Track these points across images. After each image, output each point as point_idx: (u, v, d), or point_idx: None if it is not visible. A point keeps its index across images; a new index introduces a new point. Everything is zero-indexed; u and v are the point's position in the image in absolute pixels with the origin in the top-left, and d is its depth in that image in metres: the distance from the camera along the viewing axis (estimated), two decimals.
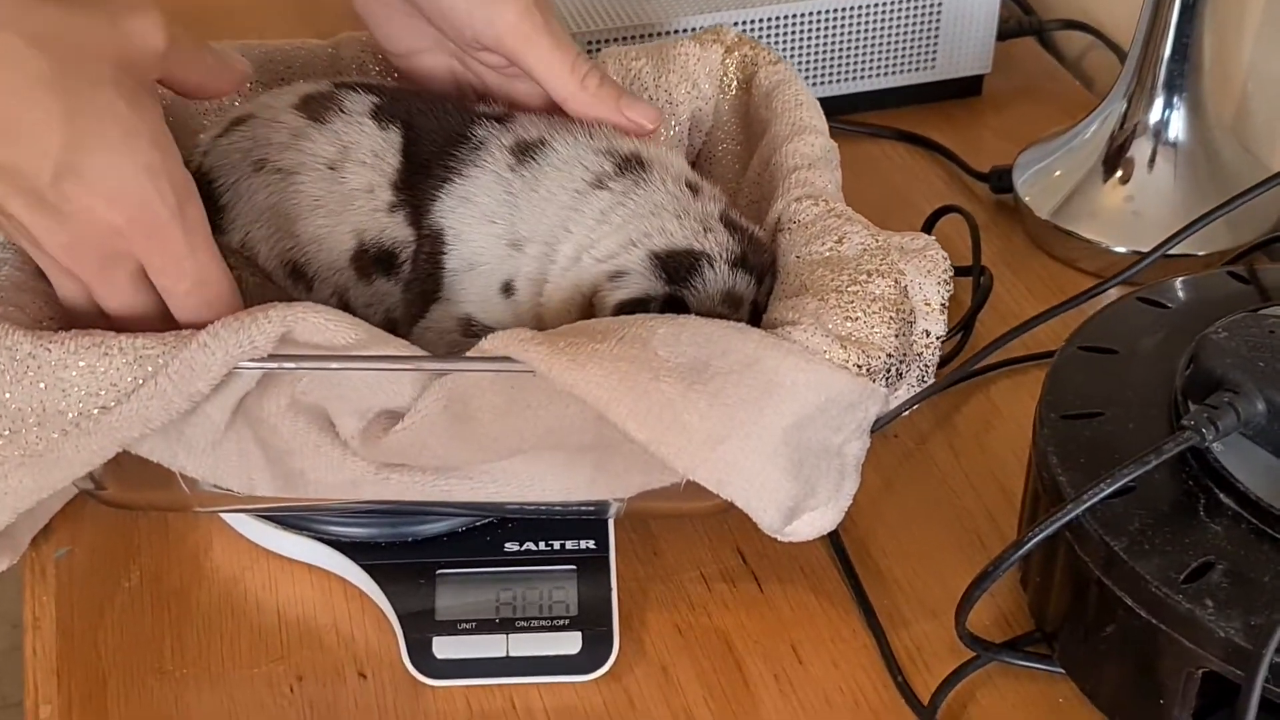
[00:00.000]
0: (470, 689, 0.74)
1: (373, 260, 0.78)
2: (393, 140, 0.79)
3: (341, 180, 0.78)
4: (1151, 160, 0.99)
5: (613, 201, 0.75)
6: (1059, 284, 0.97)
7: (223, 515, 0.80)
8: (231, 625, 0.77)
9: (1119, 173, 0.99)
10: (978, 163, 1.07)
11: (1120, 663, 0.68)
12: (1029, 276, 0.99)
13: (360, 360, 0.67)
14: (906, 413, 0.74)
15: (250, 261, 0.79)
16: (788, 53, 1.07)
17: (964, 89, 1.15)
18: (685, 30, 1.03)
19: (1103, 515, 0.67)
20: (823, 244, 0.73)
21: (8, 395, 0.66)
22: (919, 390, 0.73)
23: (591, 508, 0.76)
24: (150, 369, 0.66)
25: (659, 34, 1.03)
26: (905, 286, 0.72)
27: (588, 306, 0.73)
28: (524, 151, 0.77)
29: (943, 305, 0.73)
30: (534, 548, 0.77)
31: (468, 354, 0.67)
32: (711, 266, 0.73)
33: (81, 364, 0.66)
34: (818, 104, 0.84)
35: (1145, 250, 0.89)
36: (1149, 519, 0.67)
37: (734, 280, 0.73)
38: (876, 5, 1.07)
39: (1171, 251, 0.88)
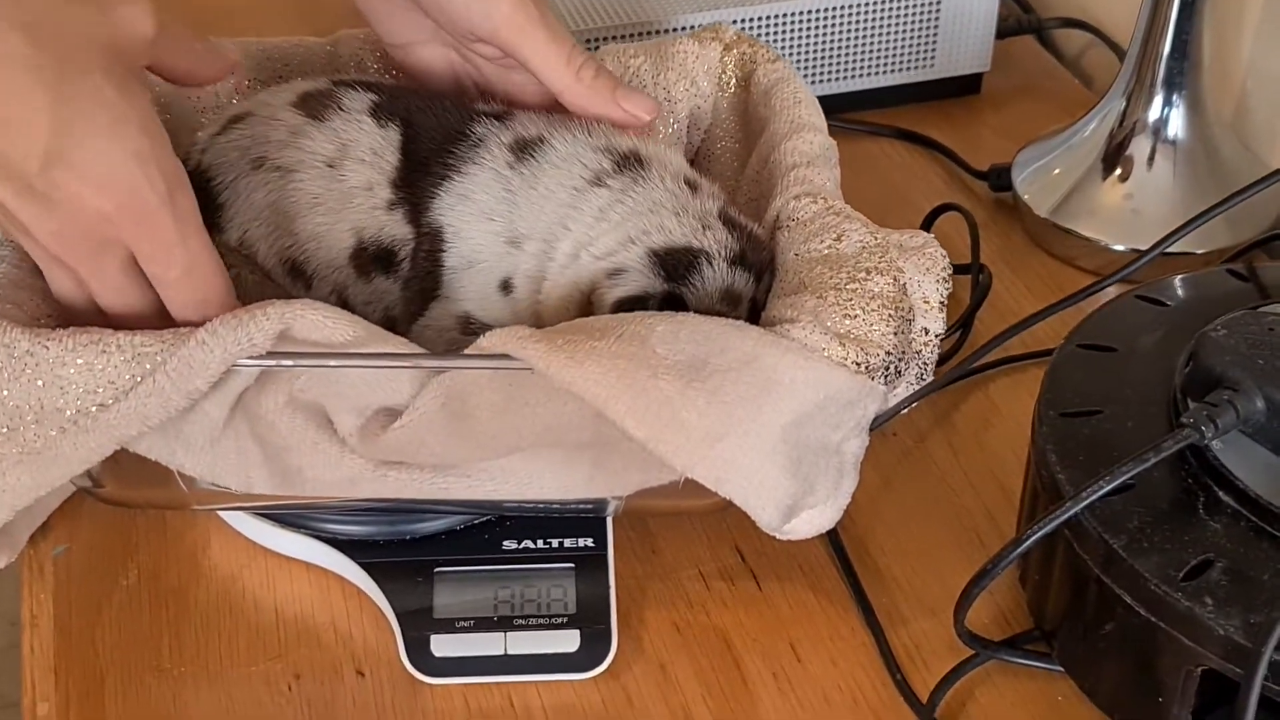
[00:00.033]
0: (468, 687, 0.74)
1: (372, 258, 0.78)
2: (391, 138, 0.79)
3: (340, 178, 0.78)
4: (1151, 158, 0.99)
5: (611, 199, 0.75)
6: (1058, 282, 0.97)
7: (221, 513, 0.80)
8: (229, 623, 0.77)
9: (1118, 171, 0.99)
10: (977, 161, 1.06)
11: (1119, 661, 0.68)
12: (1028, 275, 0.98)
13: (358, 358, 0.67)
14: (905, 410, 0.74)
15: (249, 259, 0.78)
16: (786, 51, 1.07)
17: (963, 87, 1.15)
18: (684, 28, 1.03)
19: (1102, 513, 0.67)
20: (821, 241, 0.73)
21: (5, 392, 0.66)
22: (918, 388, 0.73)
23: (590, 506, 0.76)
24: (148, 366, 0.66)
25: (657, 32, 1.03)
26: (904, 284, 0.72)
27: (586, 304, 0.73)
28: (523, 149, 0.77)
29: (941, 303, 0.73)
30: (532, 546, 0.77)
31: (466, 351, 0.67)
32: (710, 264, 0.73)
33: (80, 361, 0.66)
34: (816, 102, 0.84)
35: (1144, 248, 0.89)
36: (1148, 517, 0.67)
37: (733, 278, 0.73)
38: (875, 3, 1.07)
39: (1171, 249, 0.88)
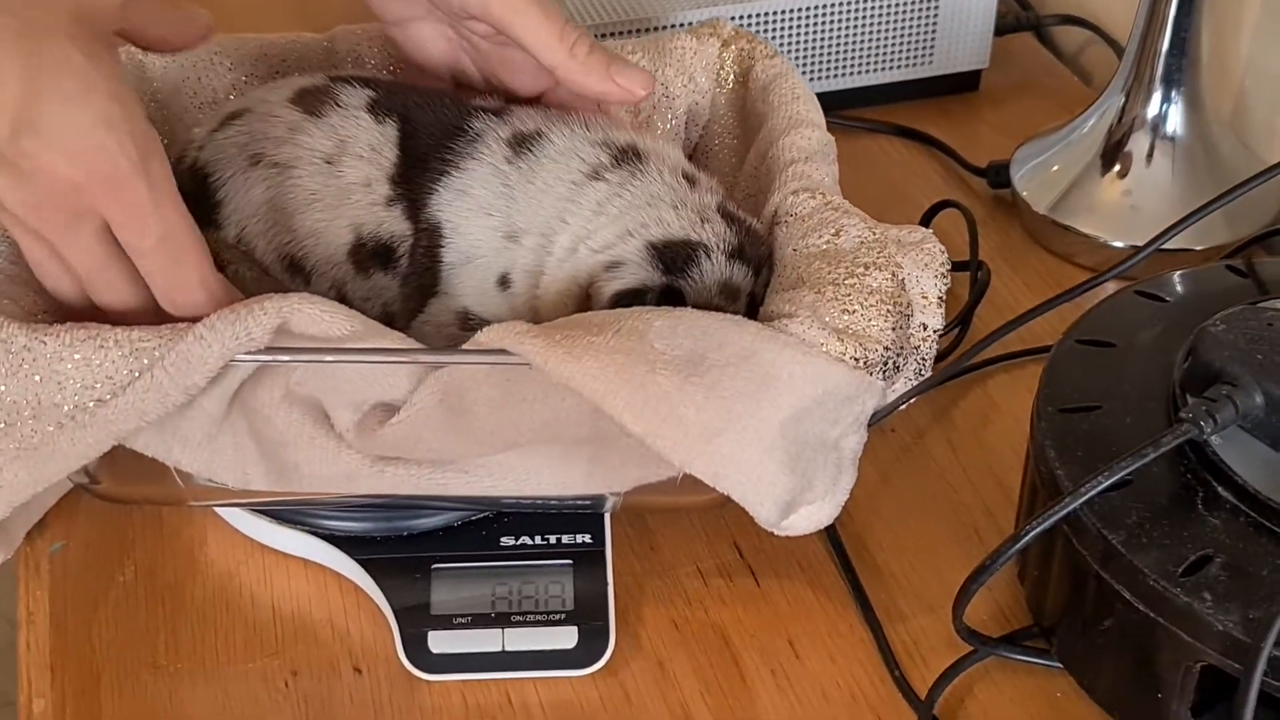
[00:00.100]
0: (466, 684, 0.74)
1: (370, 254, 0.78)
2: (389, 134, 0.79)
3: (339, 174, 0.78)
4: (1149, 155, 0.98)
5: (609, 193, 0.75)
6: (1057, 279, 0.97)
7: (217, 510, 0.80)
8: (226, 620, 0.77)
9: (1117, 167, 0.99)
10: (975, 158, 1.06)
11: (1118, 657, 0.68)
12: (1027, 271, 0.98)
13: (356, 353, 0.67)
14: (904, 406, 0.74)
15: (247, 256, 0.78)
16: (785, 47, 1.07)
17: (961, 84, 1.14)
18: (682, 24, 1.03)
19: (1100, 509, 0.67)
20: (820, 237, 0.73)
21: (3, 388, 0.66)
22: (916, 384, 0.73)
23: (588, 502, 0.76)
24: (146, 362, 0.66)
25: (656, 28, 1.03)
26: (902, 279, 0.71)
27: (584, 298, 0.73)
28: (521, 143, 0.77)
29: (940, 298, 0.73)
30: (530, 542, 0.77)
31: (463, 347, 0.67)
32: (708, 257, 0.73)
33: (77, 357, 0.66)
34: (815, 98, 0.84)
35: (1143, 245, 0.88)
36: (1147, 512, 0.67)
37: (731, 271, 0.73)
38: (874, 0, 1.07)
39: (1169, 246, 0.88)
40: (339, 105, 0.79)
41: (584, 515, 0.78)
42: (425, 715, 0.73)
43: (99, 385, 0.66)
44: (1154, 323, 0.77)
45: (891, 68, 1.11)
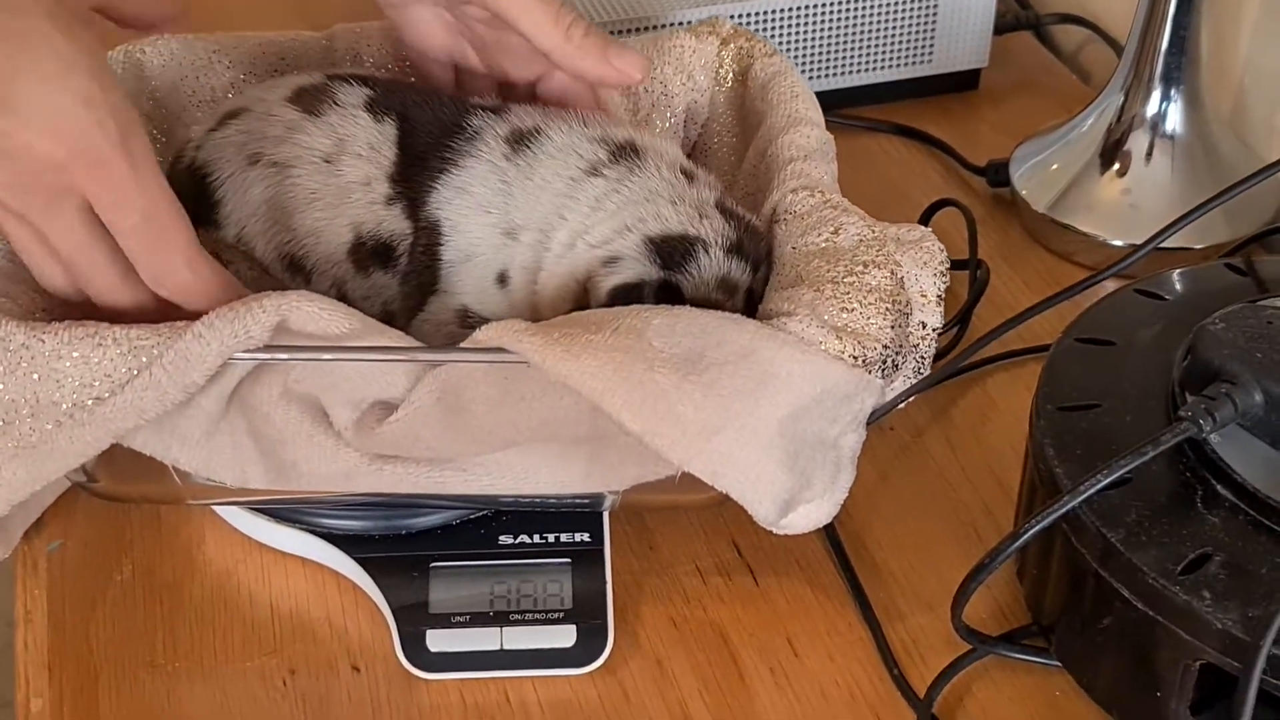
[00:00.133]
0: (464, 682, 0.74)
1: (370, 253, 0.78)
2: (388, 133, 0.79)
3: (338, 173, 0.78)
4: (1149, 153, 0.98)
5: (607, 188, 0.75)
6: (1056, 278, 0.97)
7: (215, 508, 0.80)
8: (224, 619, 0.77)
9: (1116, 166, 0.99)
10: (974, 157, 1.06)
11: (1117, 655, 0.68)
12: (1026, 270, 0.98)
13: (354, 351, 0.67)
14: (902, 405, 0.74)
15: (247, 255, 0.78)
16: (784, 46, 1.07)
17: (961, 83, 1.14)
18: (681, 23, 1.03)
19: (1099, 507, 0.67)
20: (819, 235, 0.73)
21: (1, 386, 0.66)
22: (915, 382, 0.73)
23: (586, 500, 0.76)
24: (144, 360, 0.66)
25: (655, 27, 1.03)
26: (901, 278, 0.71)
27: (582, 293, 0.73)
28: (519, 140, 0.77)
29: (939, 297, 0.73)
30: (528, 541, 0.77)
31: (462, 345, 0.67)
32: (707, 252, 0.72)
33: (75, 355, 0.66)
34: (814, 96, 0.84)
35: (1142, 243, 0.88)
36: (1146, 511, 0.67)
37: (729, 266, 0.73)
38: None
39: (1169, 244, 0.88)
40: (337, 104, 0.79)
41: (582, 514, 0.78)
42: (423, 714, 0.72)
43: (97, 383, 0.66)
44: (1153, 321, 0.77)
45: (891, 66, 1.11)
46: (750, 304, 0.73)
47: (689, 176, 0.76)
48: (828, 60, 1.09)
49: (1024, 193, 1.01)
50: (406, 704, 0.73)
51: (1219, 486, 0.68)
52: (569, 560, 0.76)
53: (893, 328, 0.70)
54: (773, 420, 0.67)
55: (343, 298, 0.78)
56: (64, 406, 0.66)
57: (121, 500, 0.80)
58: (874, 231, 0.73)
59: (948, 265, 0.73)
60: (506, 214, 0.76)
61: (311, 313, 0.66)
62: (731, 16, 1.03)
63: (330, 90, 0.80)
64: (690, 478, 0.68)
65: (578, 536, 0.77)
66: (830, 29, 1.07)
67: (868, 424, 0.71)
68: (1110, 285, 0.88)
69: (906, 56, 1.11)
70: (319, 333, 0.66)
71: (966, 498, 0.83)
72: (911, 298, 0.72)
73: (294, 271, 0.79)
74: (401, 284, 0.78)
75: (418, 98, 0.80)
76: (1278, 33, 1.02)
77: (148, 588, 0.78)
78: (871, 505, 0.82)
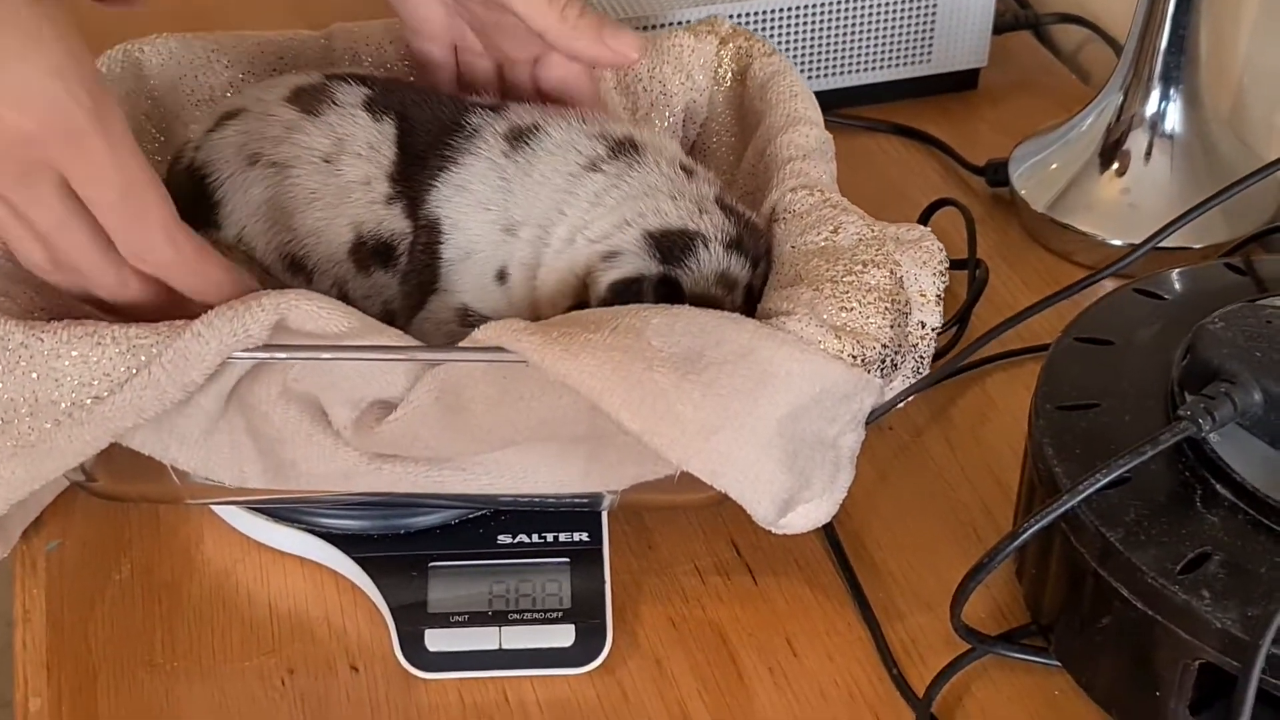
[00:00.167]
0: (463, 682, 0.74)
1: (371, 252, 0.78)
2: (387, 132, 0.79)
3: (338, 173, 0.78)
4: (1148, 153, 0.98)
5: (607, 184, 0.74)
6: (1055, 277, 0.97)
7: (214, 508, 0.80)
8: (223, 618, 0.77)
9: (1115, 165, 0.99)
10: (973, 156, 1.06)
11: (1116, 655, 0.68)
12: (1025, 270, 0.98)
13: (353, 350, 0.66)
14: (901, 404, 0.74)
15: (248, 256, 0.78)
16: (783, 45, 1.07)
17: (960, 83, 1.14)
18: (680, 22, 1.03)
19: (1098, 506, 0.67)
20: (818, 234, 0.73)
21: (0, 385, 0.66)
22: (914, 382, 0.73)
23: (585, 500, 0.76)
24: (143, 358, 0.66)
25: (654, 26, 1.03)
26: (901, 277, 0.71)
27: (582, 288, 0.73)
28: (518, 137, 0.77)
29: (938, 296, 0.73)
30: (527, 540, 0.77)
31: (461, 344, 0.67)
32: (706, 247, 0.72)
33: (74, 354, 0.66)
34: (813, 95, 0.84)
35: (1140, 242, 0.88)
36: (1145, 510, 0.67)
37: (728, 262, 0.73)
38: None
39: (1168, 244, 0.88)
40: (336, 103, 0.79)
41: (581, 513, 0.78)
42: (422, 713, 0.72)
43: (96, 382, 0.66)
44: (1152, 320, 0.77)
45: (890, 66, 1.11)
46: (750, 300, 0.73)
47: (688, 172, 0.76)
48: (827, 60, 1.09)
49: (1023, 192, 1.01)
50: (405, 703, 0.73)
51: (1218, 486, 0.67)
52: (568, 560, 0.76)
53: (892, 327, 0.70)
54: (772, 419, 0.67)
55: (344, 297, 0.78)
56: (63, 405, 0.66)
57: (120, 499, 0.80)
58: (873, 231, 0.73)
59: (947, 265, 0.73)
60: (506, 210, 0.76)
61: (310, 311, 0.66)
62: (731, 16, 1.03)
63: (328, 90, 0.80)
64: (689, 477, 0.68)
65: (576, 536, 0.77)
66: (829, 28, 1.07)
67: (867, 423, 0.71)
68: (1109, 285, 0.88)
69: (905, 56, 1.11)
70: (318, 331, 0.66)
71: (965, 497, 0.83)
72: (911, 297, 0.72)
73: (295, 271, 0.78)
74: (402, 283, 0.78)
75: (416, 97, 0.80)
76: (1277, 32, 1.01)
77: (146, 587, 0.78)
78: (870, 505, 0.82)
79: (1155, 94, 0.98)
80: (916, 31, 1.10)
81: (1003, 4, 1.18)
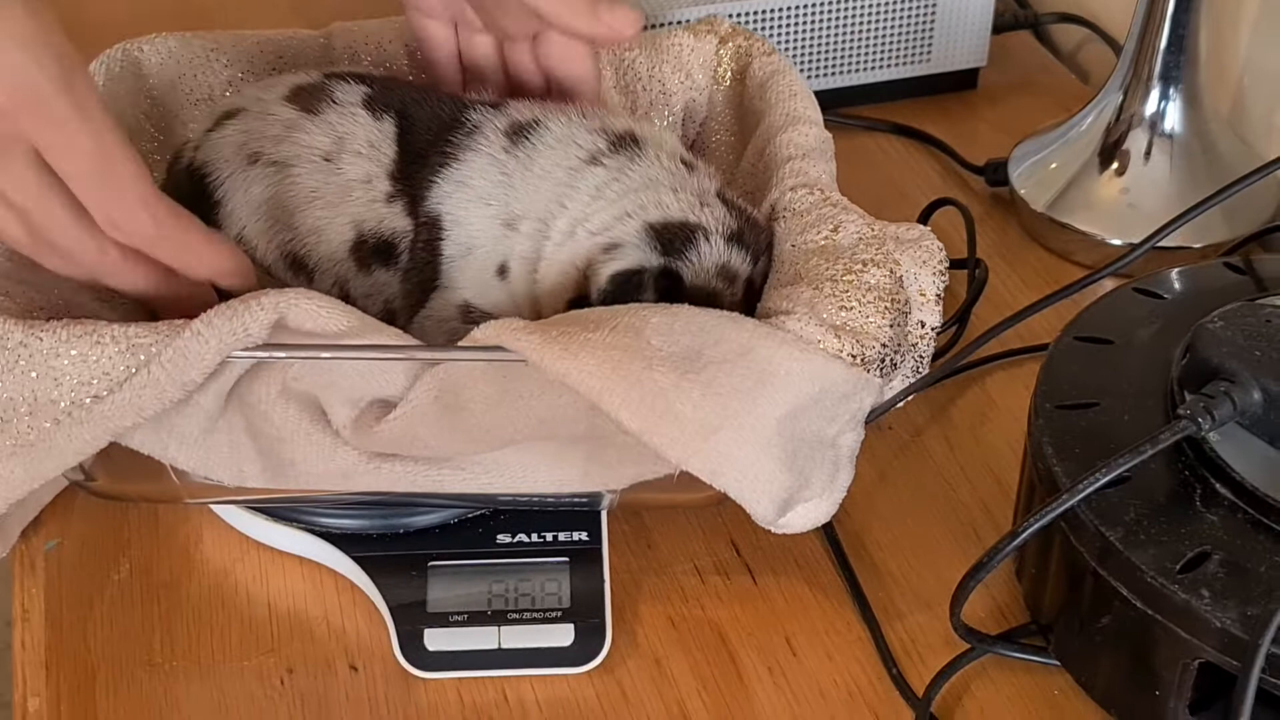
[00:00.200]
0: (462, 681, 0.74)
1: (372, 251, 0.78)
2: (387, 130, 0.79)
3: (338, 171, 0.78)
4: (1147, 152, 0.98)
5: (608, 177, 0.75)
6: (1054, 276, 0.97)
7: (213, 507, 0.80)
8: (222, 618, 0.77)
9: (1115, 165, 0.99)
10: (973, 156, 1.06)
11: (1116, 654, 0.68)
12: (1024, 269, 0.98)
13: (352, 350, 0.66)
14: (901, 404, 0.74)
15: (249, 256, 0.78)
16: (782, 45, 1.07)
17: (959, 82, 1.14)
18: (679, 21, 1.03)
19: (1098, 506, 0.67)
20: (818, 232, 0.73)
21: None
22: (913, 381, 0.73)
23: (584, 499, 0.76)
24: (143, 358, 0.66)
25: (653, 25, 1.03)
26: (900, 276, 0.71)
27: (583, 280, 0.73)
28: (518, 133, 0.77)
29: (938, 296, 0.73)
30: (526, 539, 0.77)
31: (460, 344, 0.67)
32: (707, 239, 0.72)
33: (73, 353, 0.66)
34: (812, 95, 0.84)
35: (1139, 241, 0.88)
36: (1144, 509, 0.67)
37: (729, 255, 0.73)
38: None
39: (1167, 244, 0.88)
40: (335, 102, 0.79)
41: (581, 513, 0.78)
42: (421, 713, 0.72)
43: (95, 381, 0.66)
44: (1152, 320, 0.77)
45: (889, 65, 1.11)
46: (750, 295, 0.73)
47: (689, 167, 0.76)
48: (826, 59, 1.09)
49: (1022, 192, 1.01)
50: (404, 703, 0.73)
51: (1218, 485, 0.67)
52: (567, 559, 0.76)
53: (891, 326, 0.69)
54: (771, 419, 0.67)
55: (345, 296, 0.78)
56: (62, 405, 0.66)
57: (119, 499, 0.80)
58: (873, 230, 0.73)
59: (946, 264, 0.73)
60: (506, 205, 0.76)
61: (310, 310, 0.66)
62: (730, 15, 1.03)
63: (328, 89, 0.80)
64: (689, 477, 0.68)
65: (576, 535, 0.77)
66: (828, 28, 1.07)
67: (866, 423, 0.71)
68: (1109, 284, 0.88)
69: (905, 55, 1.11)
70: (317, 330, 0.66)
71: (965, 497, 0.83)
72: (910, 296, 0.72)
73: (296, 270, 0.78)
74: (403, 281, 0.78)
75: (416, 95, 0.80)
76: (1277, 32, 1.01)
77: (145, 587, 0.78)
78: (870, 504, 0.82)
79: (1155, 93, 0.98)
80: (916, 31, 1.10)
81: (1002, 4, 1.18)
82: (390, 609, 0.75)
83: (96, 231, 0.67)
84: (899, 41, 1.10)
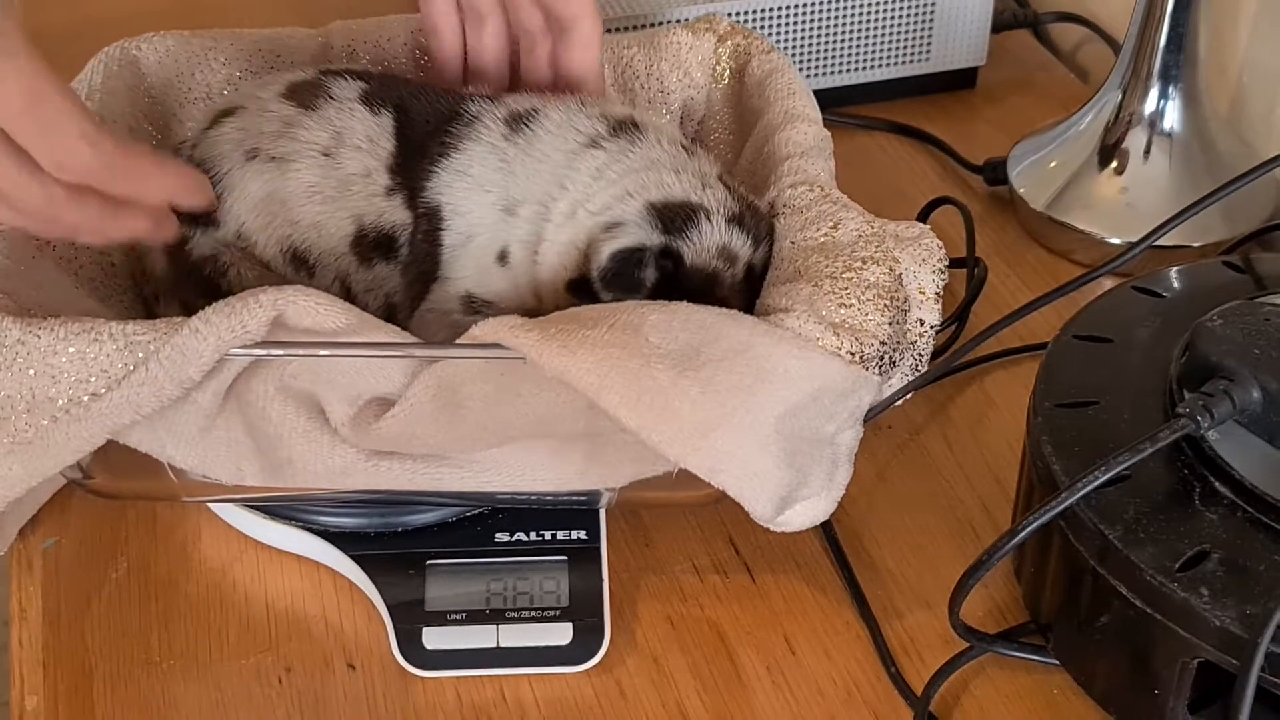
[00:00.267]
0: (460, 680, 0.73)
1: (372, 245, 0.78)
2: (385, 124, 0.79)
3: (337, 166, 0.78)
4: (1147, 151, 0.98)
5: (608, 159, 0.75)
6: (1054, 275, 0.97)
7: (211, 506, 0.80)
8: (220, 616, 0.76)
9: (1114, 164, 0.99)
10: (972, 155, 1.06)
11: (1115, 653, 0.68)
12: (1023, 269, 0.98)
13: (351, 347, 0.66)
14: (900, 402, 0.74)
15: (247, 253, 0.78)
16: (781, 44, 1.07)
17: (958, 81, 1.14)
18: (678, 20, 1.03)
19: (1097, 504, 0.67)
20: (818, 229, 0.73)
21: None
22: (912, 380, 0.73)
23: (583, 497, 0.76)
24: (141, 355, 0.66)
25: (652, 24, 1.03)
26: (900, 274, 0.71)
27: (583, 261, 0.73)
28: (517, 121, 0.77)
29: (937, 294, 0.73)
30: (525, 538, 0.77)
31: (458, 341, 0.67)
32: (709, 219, 0.72)
33: (71, 350, 0.66)
34: (810, 93, 0.84)
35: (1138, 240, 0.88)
36: (1144, 508, 0.67)
37: (730, 236, 0.73)
38: None
39: (1166, 242, 0.88)
40: (332, 98, 0.79)
41: (579, 511, 0.78)
42: (419, 712, 0.72)
43: (93, 379, 0.66)
44: (1151, 318, 0.77)
45: (888, 64, 1.11)
46: (752, 278, 0.73)
47: (689, 151, 0.76)
48: (825, 58, 1.09)
49: (1022, 191, 1.01)
50: (402, 702, 0.73)
51: (1217, 483, 0.67)
52: (565, 558, 0.76)
53: (890, 324, 0.69)
54: (770, 417, 0.67)
55: (346, 290, 0.78)
56: (60, 402, 0.66)
57: (117, 497, 0.80)
58: (873, 227, 0.73)
59: (946, 262, 0.73)
60: (506, 191, 0.76)
61: (308, 307, 0.66)
62: (729, 14, 1.03)
63: (324, 85, 0.80)
64: (687, 474, 0.68)
65: (574, 534, 0.77)
66: (827, 27, 1.07)
67: (865, 421, 0.71)
68: (1108, 283, 0.88)
69: (904, 55, 1.11)
70: (316, 328, 0.66)
71: (964, 495, 0.82)
72: (910, 294, 0.72)
73: (297, 266, 0.78)
74: (404, 274, 0.78)
75: (413, 89, 0.80)
76: (1276, 30, 1.01)
77: (143, 585, 0.78)
78: (869, 503, 0.82)
79: (1154, 92, 0.98)
80: (915, 30, 1.09)
81: (1001, 3, 1.18)
82: (388, 607, 0.75)
83: (41, 174, 0.65)
84: (898, 40, 1.10)
